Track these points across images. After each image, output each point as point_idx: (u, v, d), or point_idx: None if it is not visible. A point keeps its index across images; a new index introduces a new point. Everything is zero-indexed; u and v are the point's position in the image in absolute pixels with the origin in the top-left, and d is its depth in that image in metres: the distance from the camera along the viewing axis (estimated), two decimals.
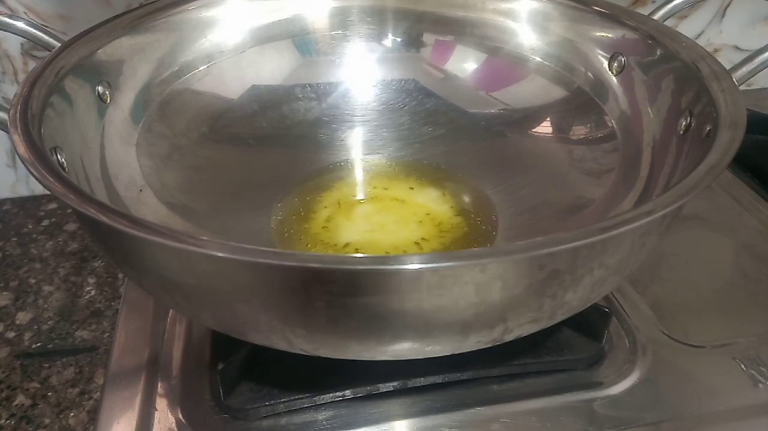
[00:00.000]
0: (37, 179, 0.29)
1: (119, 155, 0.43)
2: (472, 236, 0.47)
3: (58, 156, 0.35)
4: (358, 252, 0.45)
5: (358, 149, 0.55)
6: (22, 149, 0.31)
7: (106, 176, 0.41)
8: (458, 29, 0.54)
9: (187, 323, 0.45)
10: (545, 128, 0.51)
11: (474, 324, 0.30)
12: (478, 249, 0.26)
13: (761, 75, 0.42)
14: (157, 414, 0.39)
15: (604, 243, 0.29)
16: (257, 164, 0.52)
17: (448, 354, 0.32)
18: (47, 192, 0.63)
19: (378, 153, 0.55)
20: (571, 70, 0.50)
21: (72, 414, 0.46)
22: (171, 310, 0.46)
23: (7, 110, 0.34)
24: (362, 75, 0.55)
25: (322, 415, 0.38)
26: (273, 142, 0.53)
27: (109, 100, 0.43)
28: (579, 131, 0.49)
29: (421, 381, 0.39)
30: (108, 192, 0.40)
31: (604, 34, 0.47)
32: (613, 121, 0.47)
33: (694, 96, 0.39)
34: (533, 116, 0.47)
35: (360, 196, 0.52)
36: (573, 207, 0.46)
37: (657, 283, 0.48)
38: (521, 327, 0.32)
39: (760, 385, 0.40)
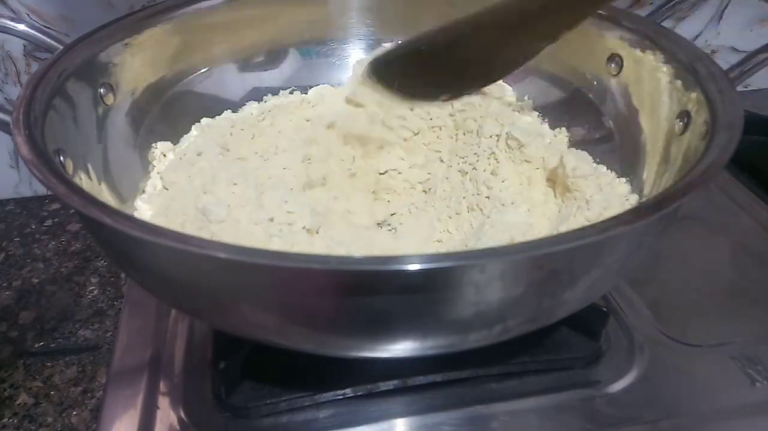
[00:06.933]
0: (40, 180, 0.30)
1: (122, 157, 0.43)
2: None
3: (61, 158, 0.35)
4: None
5: None
6: (25, 150, 0.32)
7: (109, 178, 0.41)
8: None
9: (189, 322, 0.45)
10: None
11: (473, 322, 0.30)
12: (478, 250, 0.26)
13: (759, 76, 0.42)
14: (159, 413, 0.39)
15: (602, 243, 0.29)
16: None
17: (448, 352, 0.32)
18: (50, 192, 0.64)
19: None
20: (569, 72, 0.50)
21: (75, 412, 0.46)
22: (173, 309, 0.46)
23: (9, 112, 0.34)
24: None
25: (322, 413, 0.39)
26: None
27: (111, 102, 0.43)
28: (577, 133, 0.49)
29: (421, 380, 0.39)
30: (111, 194, 0.40)
31: (601, 35, 0.47)
32: (611, 122, 0.47)
33: (692, 97, 0.39)
34: None
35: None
36: None
37: (655, 283, 0.48)
38: (520, 326, 0.32)
39: (758, 384, 0.41)
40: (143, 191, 0.44)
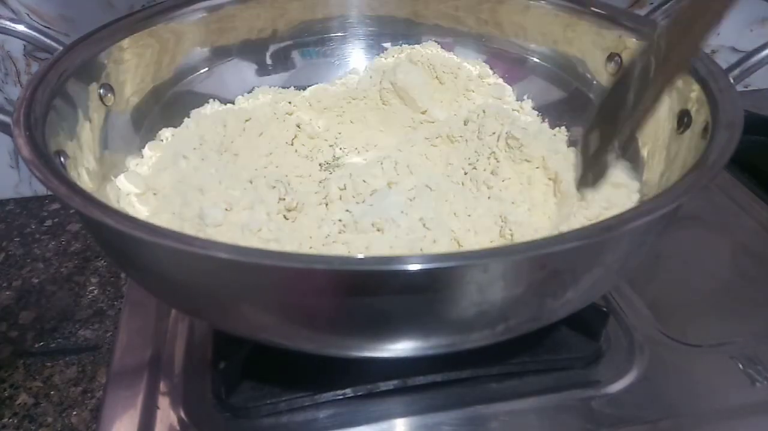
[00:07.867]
0: (41, 181, 0.30)
1: (122, 157, 0.44)
2: None
3: (61, 158, 0.35)
4: None
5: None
6: (26, 151, 0.32)
7: (109, 178, 0.41)
8: (457, 31, 0.54)
9: (189, 322, 0.45)
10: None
11: (474, 322, 0.30)
12: (480, 250, 0.26)
13: (759, 77, 0.42)
14: (159, 413, 0.39)
15: (604, 243, 0.29)
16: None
17: (449, 351, 0.32)
18: (50, 192, 0.64)
19: None
20: (569, 71, 0.50)
21: (75, 412, 0.46)
22: (173, 309, 0.46)
23: (10, 113, 0.34)
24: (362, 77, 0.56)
25: (322, 413, 0.39)
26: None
27: (111, 103, 0.43)
28: (577, 132, 0.49)
29: (421, 380, 0.39)
30: (111, 194, 0.40)
31: (601, 34, 0.47)
32: None
33: (692, 96, 0.39)
34: None
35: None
36: None
37: (654, 282, 0.48)
38: (520, 326, 0.32)
39: (758, 384, 0.41)
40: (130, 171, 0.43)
